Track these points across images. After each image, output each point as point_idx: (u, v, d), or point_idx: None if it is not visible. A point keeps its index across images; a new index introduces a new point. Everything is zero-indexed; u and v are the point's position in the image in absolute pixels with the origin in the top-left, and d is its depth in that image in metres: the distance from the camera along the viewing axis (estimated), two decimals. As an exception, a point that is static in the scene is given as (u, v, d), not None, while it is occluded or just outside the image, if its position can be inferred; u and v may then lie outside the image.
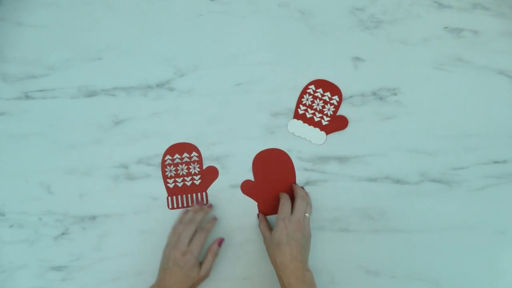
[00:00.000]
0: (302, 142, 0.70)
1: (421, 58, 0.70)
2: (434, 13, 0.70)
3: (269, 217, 0.69)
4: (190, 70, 0.70)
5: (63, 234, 0.69)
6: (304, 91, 0.70)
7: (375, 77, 0.70)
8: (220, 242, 0.66)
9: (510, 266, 0.69)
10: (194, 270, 0.61)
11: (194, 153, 0.70)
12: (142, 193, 0.69)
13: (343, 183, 0.69)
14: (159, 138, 0.69)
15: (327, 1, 0.70)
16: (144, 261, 0.68)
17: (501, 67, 0.69)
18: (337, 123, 0.70)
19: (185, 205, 0.69)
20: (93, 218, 0.69)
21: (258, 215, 0.69)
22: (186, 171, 0.69)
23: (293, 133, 0.70)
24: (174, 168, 0.69)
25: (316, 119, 0.69)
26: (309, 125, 0.70)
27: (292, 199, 0.66)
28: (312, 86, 0.70)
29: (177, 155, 0.69)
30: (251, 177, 0.70)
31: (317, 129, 0.70)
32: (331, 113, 0.70)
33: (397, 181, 0.69)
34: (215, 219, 0.68)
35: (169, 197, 0.69)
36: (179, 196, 0.69)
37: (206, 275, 0.63)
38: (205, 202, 0.69)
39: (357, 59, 0.70)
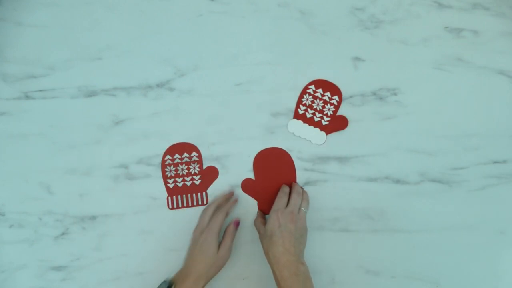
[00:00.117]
0: (302, 142, 0.70)
1: (421, 58, 0.70)
2: (434, 13, 0.70)
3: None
4: (190, 70, 0.70)
5: (63, 234, 0.69)
6: (304, 91, 0.70)
7: (375, 77, 0.70)
8: (237, 223, 0.66)
9: (510, 266, 0.69)
10: (211, 249, 0.61)
11: (194, 153, 0.70)
12: (142, 193, 0.69)
13: (343, 183, 0.69)
14: (159, 138, 0.69)
15: (327, 1, 0.70)
16: (144, 261, 0.68)
17: (501, 67, 0.69)
18: (337, 123, 0.70)
19: (185, 205, 0.69)
20: (93, 218, 0.69)
21: (257, 212, 0.69)
22: (186, 171, 0.69)
23: (293, 133, 0.70)
24: (174, 168, 0.69)
25: (316, 119, 0.69)
26: (309, 125, 0.70)
27: (292, 197, 0.66)
28: (312, 86, 0.70)
29: (177, 155, 0.69)
30: (251, 177, 0.70)
31: (317, 129, 0.70)
32: (331, 113, 0.70)
33: (397, 181, 0.69)
34: (235, 201, 0.68)
35: (169, 197, 0.69)
36: (179, 196, 0.69)
37: (225, 255, 0.62)
38: (205, 202, 0.69)
39: (357, 59, 0.70)
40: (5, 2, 0.69)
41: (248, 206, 0.69)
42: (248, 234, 0.68)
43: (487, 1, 0.70)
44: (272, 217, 0.62)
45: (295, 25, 0.70)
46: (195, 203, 0.69)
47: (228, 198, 0.69)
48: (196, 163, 0.70)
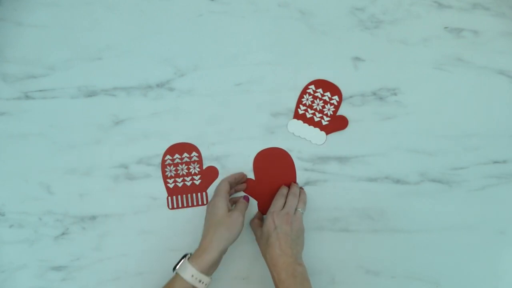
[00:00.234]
0: (302, 142, 0.70)
1: (421, 58, 0.70)
2: (434, 13, 0.70)
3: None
4: (190, 70, 0.70)
5: (63, 234, 0.69)
6: (304, 91, 0.70)
7: (375, 77, 0.70)
8: (247, 198, 0.67)
9: (510, 266, 0.69)
10: (220, 210, 0.60)
11: (194, 153, 0.70)
12: (142, 193, 0.69)
13: (343, 183, 0.69)
14: (159, 138, 0.69)
15: (327, 1, 0.70)
16: (144, 261, 0.68)
17: (501, 67, 0.69)
18: (337, 123, 0.70)
19: (185, 205, 0.69)
20: (93, 218, 0.69)
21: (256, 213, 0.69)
22: (186, 171, 0.69)
23: (293, 133, 0.70)
24: (174, 168, 0.69)
25: (316, 119, 0.70)
26: (309, 125, 0.70)
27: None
28: (312, 86, 0.70)
29: (177, 155, 0.69)
30: (251, 177, 0.70)
31: (317, 129, 0.70)
32: (331, 113, 0.70)
33: (397, 181, 0.69)
34: (245, 182, 0.69)
35: (169, 197, 0.69)
36: (179, 196, 0.69)
37: (237, 220, 0.60)
38: (205, 202, 0.69)
39: (357, 59, 0.70)
40: (5, 2, 0.69)
41: (249, 206, 0.69)
42: (248, 234, 0.68)
43: (487, 1, 0.70)
44: (268, 219, 0.62)
45: (295, 25, 0.70)
46: (195, 203, 0.69)
47: (239, 180, 0.69)
48: (196, 163, 0.70)
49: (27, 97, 0.69)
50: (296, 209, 0.64)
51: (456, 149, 0.69)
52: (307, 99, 0.70)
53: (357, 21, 0.70)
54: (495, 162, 0.69)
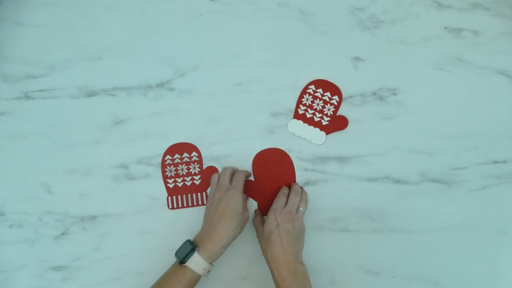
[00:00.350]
0: (302, 142, 0.70)
1: (421, 58, 0.70)
2: (434, 13, 0.70)
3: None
4: (190, 70, 0.70)
5: (63, 234, 0.69)
6: (304, 91, 0.70)
7: (375, 77, 0.70)
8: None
9: (510, 266, 0.69)
10: (238, 207, 0.61)
11: (194, 153, 0.70)
12: (142, 193, 0.69)
13: (343, 183, 0.69)
14: (159, 138, 0.69)
15: (327, 1, 0.70)
16: (144, 261, 0.68)
17: (501, 67, 0.69)
18: (337, 123, 0.70)
19: (185, 205, 0.69)
20: (93, 218, 0.69)
21: (255, 211, 0.69)
22: (186, 171, 0.69)
23: (293, 133, 0.70)
24: (174, 168, 0.69)
25: (316, 119, 0.69)
26: (309, 125, 0.70)
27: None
28: (312, 86, 0.70)
29: (177, 155, 0.69)
30: (250, 178, 0.70)
31: (317, 129, 0.70)
32: (331, 113, 0.70)
33: (397, 181, 0.69)
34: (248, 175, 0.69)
35: (169, 197, 0.69)
36: (179, 196, 0.69)
37: (247, 215, 0.63)
38: (205, 202, 0.69)
39: (357, 59, 0.70)
40: (5, 2, 0.69)
41: (248, 207, 0.69)
42: (248, 234, 0.68)
43: (487, 1, 0.70)
44: (270, 216, 0.62)
45: (295, 25, 0.70)
46: (195, 203, 0.69)
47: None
48: (196, 163, 0.70)
49: (27, 97, 0.69)
50: (298, 208, 0.64)
51: (456, 149, 0.69)
52: (307, 99, 0.70)
53: (357, 21, 0.70)
54: (495, 162, 0.69)
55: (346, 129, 0.69)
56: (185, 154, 0.69)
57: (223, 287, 0.68)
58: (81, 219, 0.69)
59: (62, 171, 0.69)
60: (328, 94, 0.69)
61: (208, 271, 0.59)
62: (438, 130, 0.69)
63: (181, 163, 0.69)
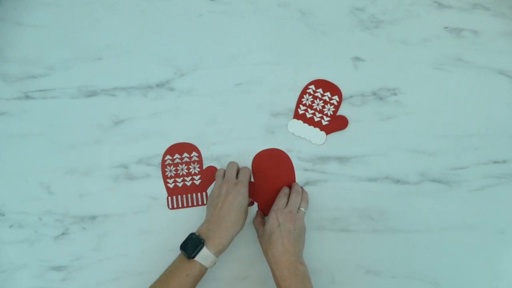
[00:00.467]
0: (302, 142, 0.70)
1: (421, 58, 0.70)
2: (434, 13, 0.70)
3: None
4: (190, 70, 0.70)
5: (63, 234, 0.69)
6: (304, 91, 0.70)
7: (375, 77, 0.70)
8: None
9: (510, 266, 0.69)
10: (245, 201, 0.62)
11: (194, 153, 0.70)
12: (142, 193, 0.69)
13: (343, 183, 0.69)
14: (159, 138, 0.69)
15: (327, 1, 0.70)
16: (144, 261, 0.68)
17: (501, 67, 0.69)
18: (337, 123, 0.70)
19: (185, 205, 0.69)
20: (93, 218, 0.69)
21: (256, 211, 0.69)
22: (186, 171, 0.69)
23: (293, 133, 0.70)
24: (174, 168, 0.69)
25: (316, 119, 0.69)
26: (309, 125, 0.70)
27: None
28: (312, 86, 0.70)
29: (177, 155, 0.69)
30: (251, 178, 0.70)
31: (317, 129, 0.70)
32: (331, 113, 0.70)
33: (397, 181, 0.69)
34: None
35: (169, 197, 0.69)
36: (179, 196, 0.69)
37: (247, 211, 0.64)
38: (205, 202, 0.69)
39: (357, 59, 0.70)
40: (5, 2, 0.69)
41: (249, 207, 0.69)
42: (248, 234, 0.68)
43: (487, 1, 0.70)
44: (271, 216, 0.62)
45: (295, 25, 0.70)
46: (195, 203, 0.69)
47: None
48: (196, 163, 0.70)
49: (27, 97, 0.69)
50: (299, 208, 0.64)
51: (456, 149, 0.69)
52: (307, 99, 0.70)
53: (357, 21, 0.70)
54: (495, 162, 0.69)
55: (346, 129, 0.69)
56: (185, 154, 0.69)
57: (223, 287, 0.68)
58: (81, 219, 0.69)
59: (62, 171, 0.69)
60: (328, 94, 0.70)
61: (215, 263, 0.60)
62: (438, 130, 0.69)
63: (181, 163, 0.69)
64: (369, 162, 0.69)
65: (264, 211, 0.69)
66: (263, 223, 0.65)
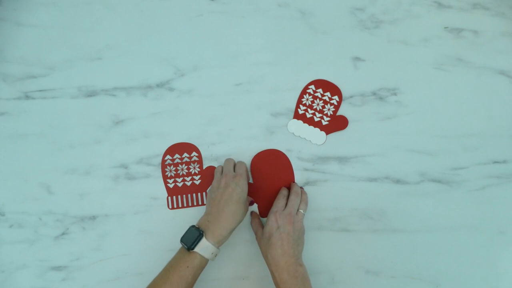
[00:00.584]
0: (302, 142, 0.70)
1: (421, 58, 0.70)
2: (434, 13, 0.70)
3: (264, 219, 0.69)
4: (190, 70, 0.70)
5: (63, 234, 0.69)
6: (304, 91, 0.70)
7: (375, 77, 0.70)
8: None
9: (510, 266, 0.69)
10: (244, 193, 0.62)
11: (194, 153, 0.70)
12: (142, 193, 0.69)
13: (343, 183, 0.69)
14: (159, 138, 0.69)
15: (327, 1, 0.70)
16: (144, 261, 0.68)
17: (501, 67, 0.69)
18: (337, 123, 0.70)
19: (185, 205, 0.69)
20: (93, 218, 0.69)
21: (251, 213, 0.69)
22: (186, 171, 0.69)
23: (293, 133, 0.70)
24: (174, 168, 0.69)
25: (316, 119, 0.69)
26: (309, 125, 0.70)
27: (292, 198, 0.66)
28: (312, 86, 0.70)
29: (177, 155, 0.69)
30: (249, 179, 0.70)
31: (317, 129, 0.70)
32: (331, 113, 0.70)
33: (397, 181, 0.69)
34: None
35: (169, 197, 0.69)
36: (179, 196, 0.69)
37: (247, 208, 0.65)
38: (205, 202, 0.69)
39: (357, 59, 0.70)
40: (5, 2, 0.69)
41: (248, 208, 0.69)
42: (248, 234, 0.68)
43: (487, 1, 0.70)
44: (271, 218, 0.62)
45: (295, 25, 0.70)
46: (195, 203, 0.69)
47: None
48: (196, 163, 0.70)
49: (27, 97, 0.69)
50: (298, 210, 0.64)
51: (456, 149, 0.69)
52: (307, 99, 0.70)
53: (357, 21, 0.70)
54: (495, 162, 0.69)
55: (346, 129, 0.69)
56: (185, 154, 0.69)
57: (223, 287, 0.68)
58: (81, 219, 0.69)
59: (62, 171, 0.69)
60: (328, 94, 0.69)
61: (216, 255, 0.60)
62: (438, 130, 0.69)
63: (181, 163, 0.69)
64: (369, 162, 0.69)
65: (263, 212, 0.69)
66: (261, 225, 0.65)
